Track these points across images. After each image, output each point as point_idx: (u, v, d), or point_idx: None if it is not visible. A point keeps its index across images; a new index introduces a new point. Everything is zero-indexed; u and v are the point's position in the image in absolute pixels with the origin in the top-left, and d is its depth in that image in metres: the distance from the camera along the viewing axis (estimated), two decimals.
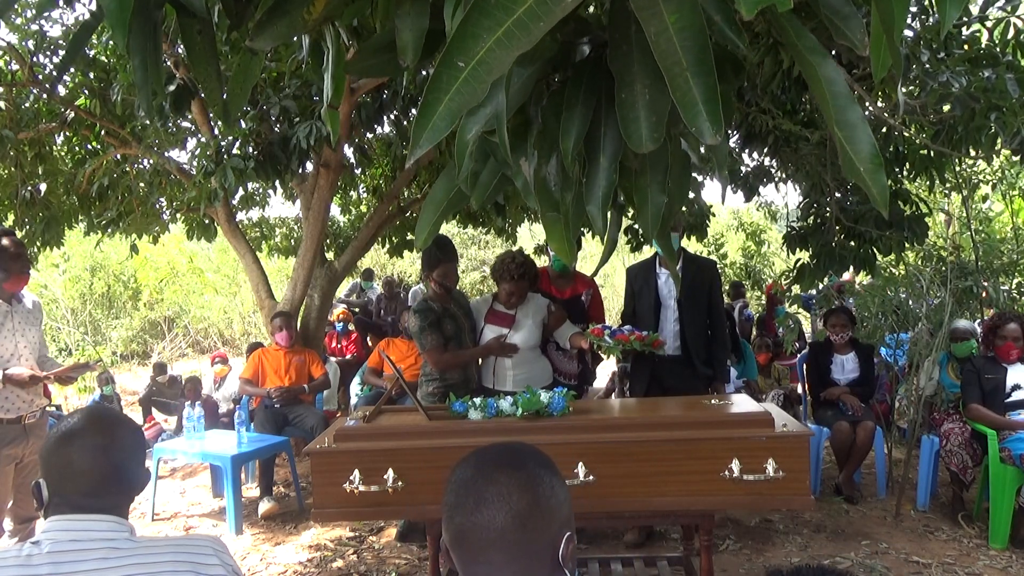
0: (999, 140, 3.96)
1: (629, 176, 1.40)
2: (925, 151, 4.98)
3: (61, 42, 5.50)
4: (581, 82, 1.31)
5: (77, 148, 6.66)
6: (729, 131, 6.02)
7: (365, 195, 8.84)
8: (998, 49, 3.89)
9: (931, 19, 3.80)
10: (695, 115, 1.05)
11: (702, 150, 1.46)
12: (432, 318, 3.74)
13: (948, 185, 6.99)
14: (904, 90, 4.04)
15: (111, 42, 5.21)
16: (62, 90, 5.68)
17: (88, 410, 1.48)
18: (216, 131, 5.54)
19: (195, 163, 5.73)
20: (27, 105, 5.86)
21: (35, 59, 5.51)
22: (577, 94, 1.30)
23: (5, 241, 3.30)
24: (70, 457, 1.35)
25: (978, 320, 5.38)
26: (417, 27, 1.26)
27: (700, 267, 4.11)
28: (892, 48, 1.12)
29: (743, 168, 6.43)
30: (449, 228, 14.98)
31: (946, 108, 3.87)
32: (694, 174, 4.89)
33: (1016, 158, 4.44)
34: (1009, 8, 3.69)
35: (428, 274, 3.88)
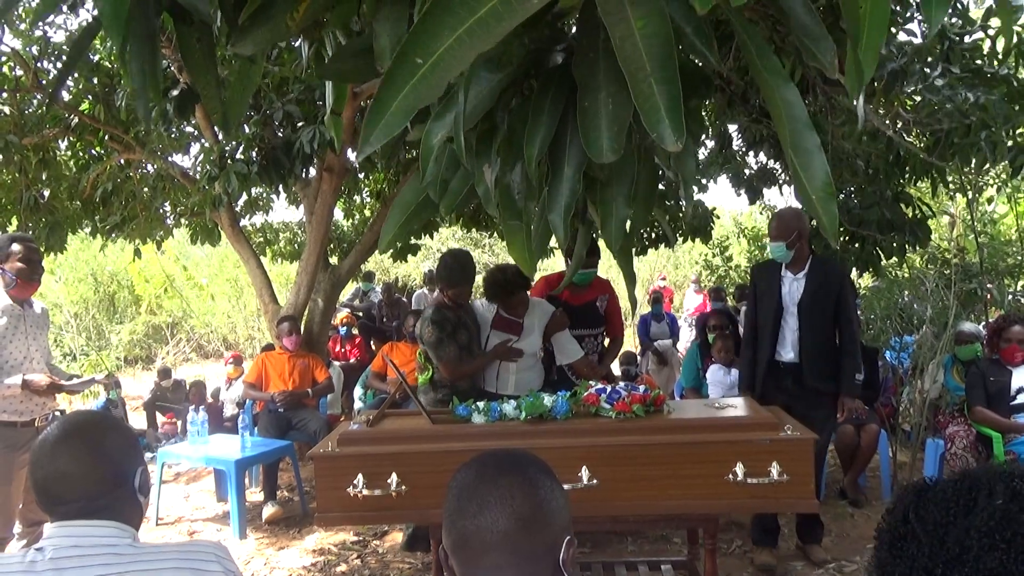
0: (988, 158, 3.95)
1: (595, 187, 1.37)
2: (925, 154, 4.98)
3: (65, 48, 5.52)
4: (549, 89, 1.28)
5: (81, 153, 6.68)
6: (731, 135, 6.04)
7: (368, 199, 8.85)
8: (1000, 59, 3.88)
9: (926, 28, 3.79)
10: (657, 121, 1.03)
11: (671, 163, 1.43)
12: (449, 329, 3.70)
13: (952, 188, 6.98)
14: (908, 102, 4.03)
15: (115, 47, 5.22)
16: (66, 95, 5.69)
17: (67, 416, 1.47)
18: (219, 136, 5.56)
19: (199, 168, 5.74)
20: (31, 110, 5.89)
21: (39, 65, 5.53)
22: (544, 101, 1.27)
23: (17, 247, 3.31)
24: (56, 464, 1.35)
25: (983, 323, 5.36)
26: (395, 32, 1.25)
27: (828, 272, 3.74)
28: (865, 60, 1.09)
29: (747, 171, 6.44)
30: (453, 231, 14.99)
31: (947, 108, 3.86)
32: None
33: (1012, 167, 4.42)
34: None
35: (443, 288, 3.84)
